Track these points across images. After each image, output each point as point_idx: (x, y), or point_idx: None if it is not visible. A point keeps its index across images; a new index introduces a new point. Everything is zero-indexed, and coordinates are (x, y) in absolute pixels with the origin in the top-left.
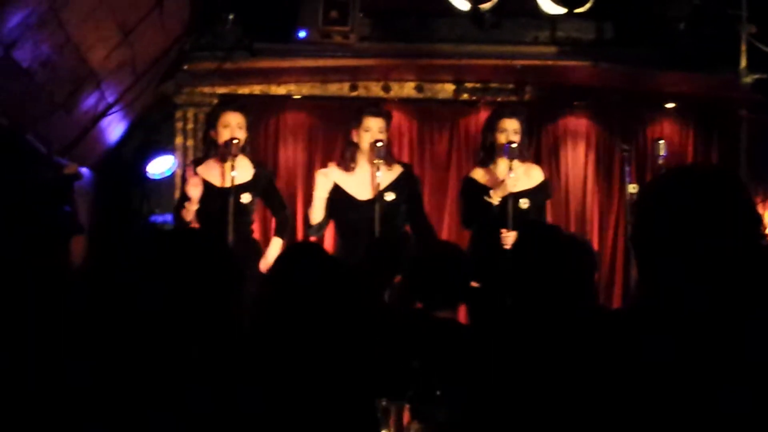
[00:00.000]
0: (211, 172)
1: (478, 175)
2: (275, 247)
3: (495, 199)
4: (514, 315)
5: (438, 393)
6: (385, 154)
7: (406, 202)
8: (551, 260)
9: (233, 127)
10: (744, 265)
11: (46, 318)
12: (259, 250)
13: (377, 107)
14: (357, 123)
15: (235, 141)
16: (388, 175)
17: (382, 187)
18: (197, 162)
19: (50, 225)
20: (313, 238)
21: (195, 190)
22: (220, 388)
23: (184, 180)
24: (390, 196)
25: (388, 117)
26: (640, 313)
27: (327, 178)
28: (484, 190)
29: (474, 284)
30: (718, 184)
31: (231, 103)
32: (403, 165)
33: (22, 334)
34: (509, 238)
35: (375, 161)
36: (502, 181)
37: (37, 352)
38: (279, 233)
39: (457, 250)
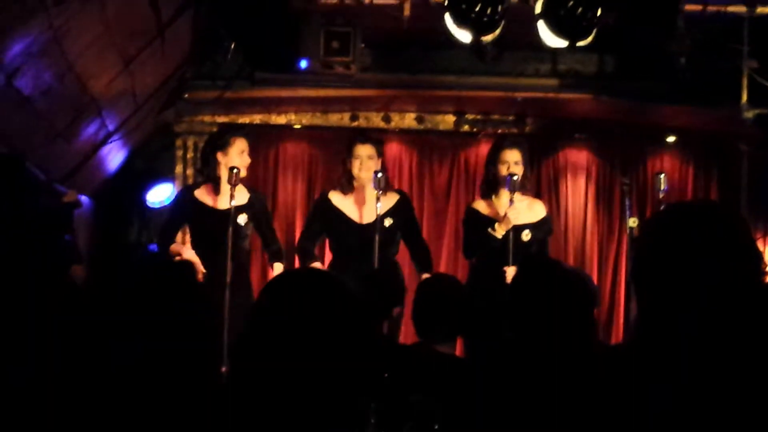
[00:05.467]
0: (210, 195)
1: (481, 206)
2: (278, 270)
3: (498, 233)
4: (514, 349)
5: (436, 427)
6: (384, 184)
7: (402, 228)
8: (551, 294)
9: (246, 152)
10: (744, 302)
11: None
12: (249, 279)
13: (366, 134)
14: (349, 151)
15: (235, 170)
16: (385, 201)
17: (380, 212)
18: (193, 187)
19: (50, 253)
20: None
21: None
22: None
23: (177, 202)
24: (388, 222)
25: (378, 143)
26: (638, 350)
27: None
28: (487, 221)
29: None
30: (718, 220)
31: (240, 128)
32: (399, 192)
33: (22, 357)
34: (510, 274)
35: (376, 191)
36: (505, 215)
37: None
38: (278, 259)
39: (457, 284)
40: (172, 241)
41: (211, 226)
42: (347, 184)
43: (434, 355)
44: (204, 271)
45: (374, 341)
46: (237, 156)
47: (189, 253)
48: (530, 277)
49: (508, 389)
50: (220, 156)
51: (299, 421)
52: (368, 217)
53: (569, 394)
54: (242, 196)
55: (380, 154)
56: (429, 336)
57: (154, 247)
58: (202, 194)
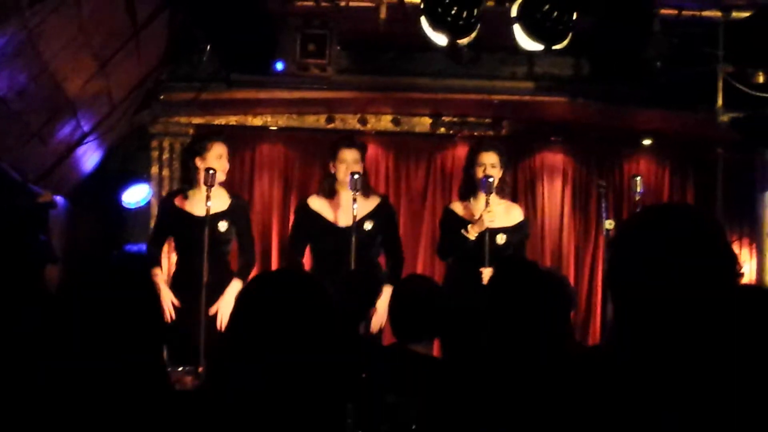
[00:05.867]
0: (189, 201)
1: (458, 208)
2: (234, 289)
3: (471, 234)
4: (490, 350)
5: (413, 427)
6: (362, 185)
7: (383, 231)
8: (528, 296)
9: (225, 157)
10: (719, 305)
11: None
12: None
13: (351, 139)
14: (333, 155)
15: (211, 171)
16: (366, 204)
17: (360, 216)
18: (174, 194)
19: (25, 253)
20: None
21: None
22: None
23: (161, 211)
24: (368, 225)
25: (362, 148)
26: (614, 353)
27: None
28: (462, 222)
29: None
30: (693, 223)
31: (218, 133)
32: (380, 196)
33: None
34: (487, 275)
35: (352, 192)
36: (480, 217)
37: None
38: (241, 275)
39: (433, 284)
40: (159, 251)
41: (190, 232)
42: (329, 188)
43: (410, 356)
44: (174, 309)
45: (351, 341)
46: (215, 161)
47: (165, 292)
48: (507, 278)
49: (485, 390)
50: (198, 161)
51: (278, 422)
52: (346, 220)
53: (546, 396)
54: (223, 201)
55: (363, 158)
56: (405, 336)
57: (129, 247)
58: (181, 201)
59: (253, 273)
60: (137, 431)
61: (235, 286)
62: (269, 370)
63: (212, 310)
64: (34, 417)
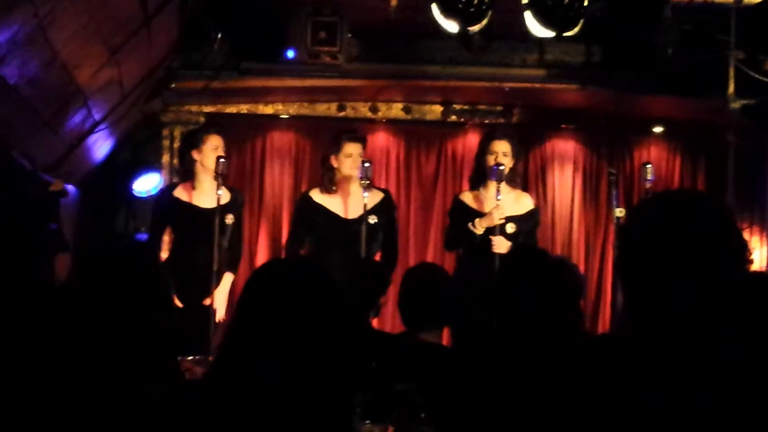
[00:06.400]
0: (192, 193)
1: (468, 198)
2: (227, 282)
3: (479, 229)
4: (500, 338)
5: (422, 415)
6: (371, 175)
7: (384, 227)
8: (538, 284)
9: (221, 149)
10: (730, 291)
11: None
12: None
13: (355, 132)
14: (337, 148)
15: (222, 160)
16: (370, 199)
17: (367, 205)
18: (172, 186)
19: (36, 242)
20: None
21: None
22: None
23: (159, 204)
24: (372, 219)
25: (365, 142)
26: (625, 340)
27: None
28: (472, 213)
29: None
30: (704, 210)
31: (214, 125)
32: (383, 191)
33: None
34: (497, 243)
35: (362, 181)
36: (490, 213)
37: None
38: (232, 268)
39: (442, 273)
40: (159, 244)
41: (193, 224)
42: (329, 183)
43: (419, 344)
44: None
45: (361, 330)
46: (211, 152)
47: None
48: (517, 266)
49: (494, 378)
50: (195, 154)
51: (285, 411)
52: (353, 213)
53: (555, 384)
54: (225, 194)
55: (364, 151)
56: (414, 325)
57: (140, 236)
58: (181, 193)
59: (263, 261)
60: (144, 419)
61: (228, 278)
62: (277, 360)
63: (208, 302)
64: (34, 412)
